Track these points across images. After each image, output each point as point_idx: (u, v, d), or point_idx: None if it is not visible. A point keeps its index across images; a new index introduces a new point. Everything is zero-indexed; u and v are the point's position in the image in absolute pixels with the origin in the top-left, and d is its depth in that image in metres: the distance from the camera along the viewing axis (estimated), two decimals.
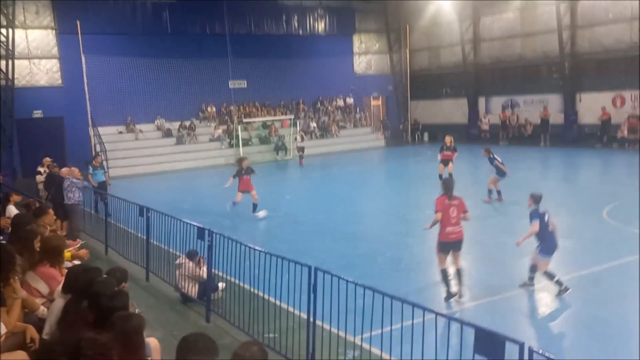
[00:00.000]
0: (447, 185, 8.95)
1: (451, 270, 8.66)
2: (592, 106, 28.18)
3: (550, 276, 8.60)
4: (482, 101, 34.26)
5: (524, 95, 31.90)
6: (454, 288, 8.61)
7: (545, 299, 8.70)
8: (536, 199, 8.93)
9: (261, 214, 15.31)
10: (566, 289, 8.45)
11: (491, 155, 16.04)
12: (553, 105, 30.14)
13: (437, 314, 4.97)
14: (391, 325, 6.59)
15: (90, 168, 17.03)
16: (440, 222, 8.57)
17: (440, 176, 18.17)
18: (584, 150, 26.58)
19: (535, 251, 8.83)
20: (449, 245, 8.61)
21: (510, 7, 31.73)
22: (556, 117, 29.85)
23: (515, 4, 31.36)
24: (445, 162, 18.61)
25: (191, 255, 9.00)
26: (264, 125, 32.37)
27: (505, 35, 32.35)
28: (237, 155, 29.15)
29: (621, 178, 18.09)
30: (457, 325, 4.70)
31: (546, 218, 8.73)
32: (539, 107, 30.63)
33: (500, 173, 15.89)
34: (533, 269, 8.85)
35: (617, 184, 17.40)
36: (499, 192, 15.84)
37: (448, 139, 18.94)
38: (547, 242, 8.66)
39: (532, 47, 31.14)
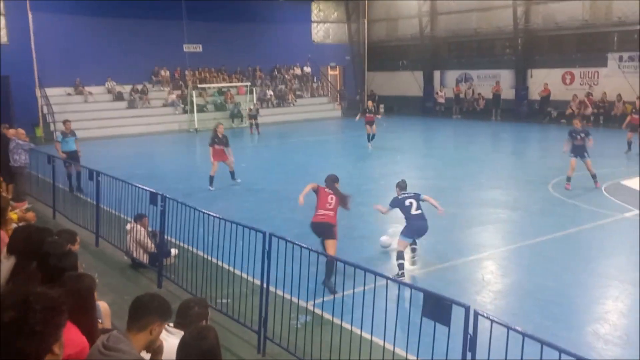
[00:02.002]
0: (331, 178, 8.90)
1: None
2: (543, 82, 28.90)
3: (399, 256, 8.40)
4: (437, 74, 34.60)
5: (477, 70, 32.39)
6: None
7: (491, 266, 9.02)
8: (401, 186, 9.26)
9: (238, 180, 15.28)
10: (402, 275, 8.17)
11: (579, 128, 13.97)
12: (505, 80, 30.75)
13: (388, 279, 5.08)
14: (343, 291, 6.73)
15: (60, 135, 14.99)
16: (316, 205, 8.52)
17: (369, 136, 20.82)
18: (533, 126, 27.31)
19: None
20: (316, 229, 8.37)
21: None
22: (508, 92, 30.50)
23: None
24: (370, 123, 21.05)
25: (138, 218, 8.92)
26: (220, 92, 31.86)
27: (462, 9, 32.58)
28: (191, 121, 28.77)
29: (567, 153, 18.68)
30: (407, 291, 4.83)
31: (407, 203, 8.76)
32: (491, 82, 31.20)
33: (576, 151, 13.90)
34: (401, 256, 8.45)
35: (562, 159, 17.95)
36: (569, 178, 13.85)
37: (370, 103, 22.39)
38: (409, 226, 8.65)
39: (487, 22, 31.52)
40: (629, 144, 18.79)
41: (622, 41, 26.57)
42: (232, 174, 15.21)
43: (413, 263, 9.00)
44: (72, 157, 14.37)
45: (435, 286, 7.49)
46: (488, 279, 8.43)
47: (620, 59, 26.35)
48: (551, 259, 9.11)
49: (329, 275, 7.74)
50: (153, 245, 8.73)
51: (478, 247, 9.95)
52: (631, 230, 10.77)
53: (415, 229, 8.68)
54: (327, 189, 8.65)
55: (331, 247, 8.12)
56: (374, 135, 21.16)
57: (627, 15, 25.77)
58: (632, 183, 14.03)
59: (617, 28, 26.48)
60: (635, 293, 7.77)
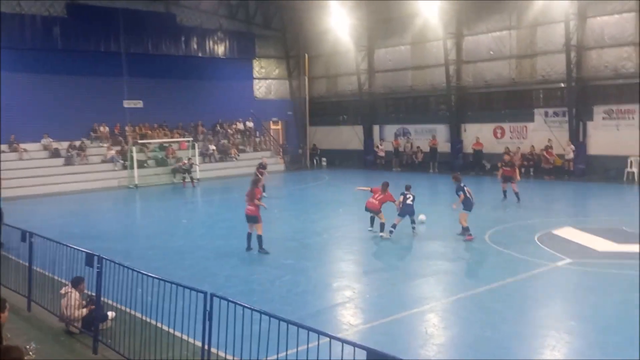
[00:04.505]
0: (255, 180, 14.57)
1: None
2: (475, 136, 30.21)
3: (393, 225, 14.57)
4: (376, 129, 35.61)
5: (415, 124, 33.57)
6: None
7: (434, 319, 9.14)
8: (407, 187, 15.13)
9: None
10: (391, 232, 14.48)
11: (461, 184, 14.63)
12: (441, 134, 31.95)
13: (331, 337, 5.09)
14: (287, 350, 6.65)
15: None
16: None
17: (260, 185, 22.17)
18: (468, 178, 28.26)
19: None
20: (246, 217, 13.70)
21: (402, 41, 33.47)
22: (444, 145, 31.66)
23: (407, 39, 33.13)
24: (261, 175, 22.80)
25: (75, 283, 8.59)
26: (161, 147, 31.56)
27: (398, 67, 33.98)
28: (131, 177, 28.26)
29: (501, 204, 19.44)
30: (350, 348, 4.84)
31: (407, 197, 14.70)
32: (428, 136, 32.33)
33: (467, 205, 14.44)
34: (394, 225, 14.56)
35: (497, 210, 18.68)
36: (467, 229, 14.27)
37: (264, 160, 25.62)
38: (403, 209, 14.69)
39: (422, 80, 32.94)
40: (504, 192, 19.84)
41: (547, 98, 28.28)
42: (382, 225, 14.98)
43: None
44: None
45: (379, 342, 7.54)
46: (431, 332, 8.53)
47: (546, 114, 27.98)
48: (490, 310, 9.32)
49: (261, 245, 13.42)
50: (86, 310, 8.38)
51: (420, 299, 10.09)
52: (564, 279, 11.23)
53: (405, 212, 14.70)
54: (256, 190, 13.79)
55: (259, 228, 13.42)
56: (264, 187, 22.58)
57: (550, 74, 27.57)
58: (563, 232, 14.67)
59: (541, 86, 28.21)
60: (571, 342, 8.03)
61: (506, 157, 21.33)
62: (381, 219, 14.99)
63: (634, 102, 25.01)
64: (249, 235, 13.65)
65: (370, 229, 15.40)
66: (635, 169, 24.57)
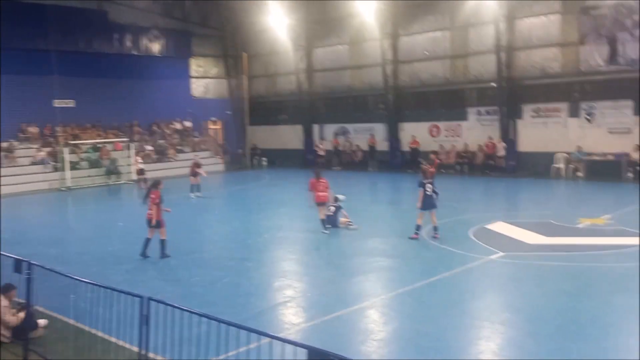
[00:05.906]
0: (154, 183, 13.44)
1: None
2: (412, 135, 30.85)
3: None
4: (316, 128, 35.77)
5: (354, 123, 33.94)
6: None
7: (374, 315, 9.29)
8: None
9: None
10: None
11: (423, 180, 14.05)
12: (379, 133, 32.45)
13: (271, 337, 5.08)
14: (227, 352, 6.59)
15: None
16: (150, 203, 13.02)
17: (193, 186, 23.22)
18: (407, 175, 28.87)
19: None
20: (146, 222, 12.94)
21: (340, 41, 33.78)
22: (382, 144, 32.18)
23: (345, 39, 33.47)
24: (195, 174, 23.38)
25: (5, 290, 8.20)
26: (95, 148, 30.54)
27: (336, 66, 34.28)
28: (62, 179, 27.23)
29: (439, 201, 19.92)
30: (292, 348, 4.85)
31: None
32: (367, 134, 32.77)
33: (423, 204, 13.92)
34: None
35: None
36: (418, 227, 14.07)
37: (199, 159, 25.32)
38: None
39: (360, 79, 33.36)
40: None
41: (479, 97, 29.18)
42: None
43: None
44: None
45: (321, 340, 7.59)
46: (371, 328, 8.65)
47: (479, 112, 28.94)
48: (428, 304, 9.55)
49: (164, 251, 12.89)
50: (15, 319, 8.01)
51: (361, 296, 10.22)
52: (498, 271, 11.65)
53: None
54: (152, 194, 12.87)
55: (162, 233, 12.89)
56: (199, 187, 23.28)
57: (482, 73, 28.52)
58: (495, 227, 15.22)
59: (474, 85, 29.12)
60: (505, 332, 8.34)
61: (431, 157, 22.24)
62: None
63: (559, 101, 26.28)
64: (147, 241, 12.85)
65: (325, 231, 15.01)
66: (561, 165, 25.78)
